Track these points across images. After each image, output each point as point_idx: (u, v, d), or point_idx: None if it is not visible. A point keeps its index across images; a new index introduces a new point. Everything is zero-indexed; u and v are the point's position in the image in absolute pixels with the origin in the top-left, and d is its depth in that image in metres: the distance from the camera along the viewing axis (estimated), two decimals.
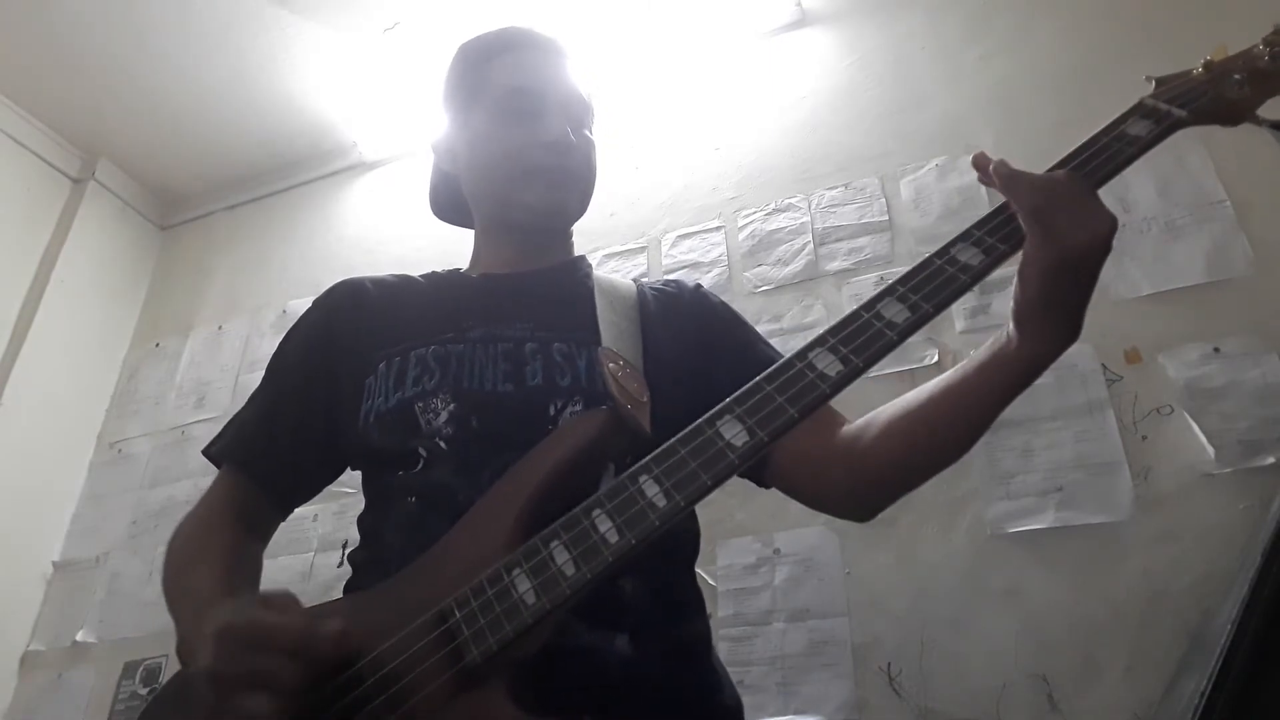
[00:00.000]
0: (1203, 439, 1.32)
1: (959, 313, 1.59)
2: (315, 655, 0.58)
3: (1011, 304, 0.67)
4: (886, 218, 1.78)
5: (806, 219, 1.87)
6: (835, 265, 1.77)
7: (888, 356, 0.64)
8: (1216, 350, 1.38)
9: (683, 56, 2.24)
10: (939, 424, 0.75)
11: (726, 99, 2.13)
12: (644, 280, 1.02)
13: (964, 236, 0.67)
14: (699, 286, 1.00)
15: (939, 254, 0.67)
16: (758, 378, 0.65)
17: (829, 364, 0.63)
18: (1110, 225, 0.63)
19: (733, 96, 2.13)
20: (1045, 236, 0.63)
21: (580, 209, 0.98)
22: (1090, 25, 1.78)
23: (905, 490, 0.81)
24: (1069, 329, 0.66)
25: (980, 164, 0.68)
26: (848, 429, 0.83)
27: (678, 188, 2.06)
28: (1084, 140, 0.70)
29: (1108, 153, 0.69)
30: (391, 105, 2.43)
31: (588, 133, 0.98)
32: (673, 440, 0.64)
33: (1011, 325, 0.68)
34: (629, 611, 0.72)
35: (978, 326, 1.56)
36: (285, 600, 0.63)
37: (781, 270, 1.82)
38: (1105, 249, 0.63)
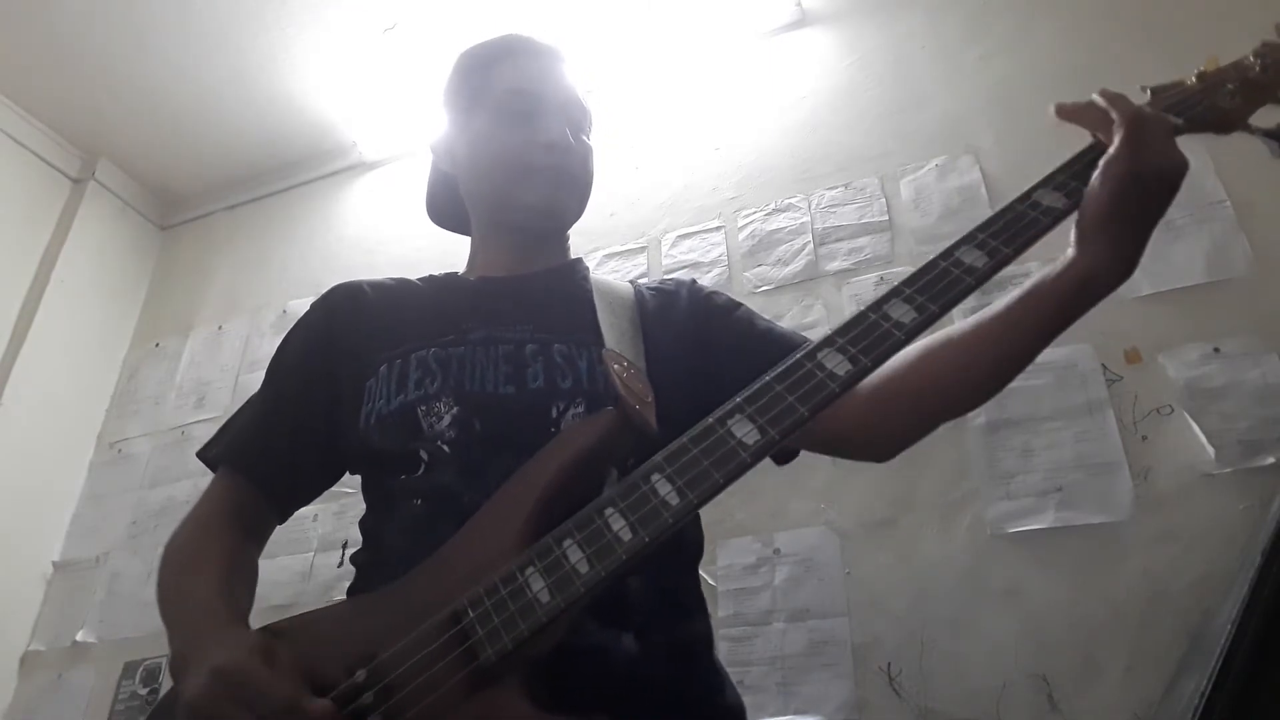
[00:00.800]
0: (1203, 439, 1.33)
1: (959, 313, 1.59)
2: None
3: (1077, 217, 0.68)
4: (886, 218, 1.78)
5: (806, 219, 1.87)
6: (835, 265, 1.77)
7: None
8: (1216, 350, 1.38)
9: (683, 56, 2.24)
10: (977, 358, 0.74)
11: (726, 99, 2.13)
12: (641, 281, 1.02)
13: (968, 239, 0.68)
14: (694, 282, 0.99)
15: (943, 256, 0.68)
16: (767, 377, 0.65)
17: (838, 364, 0.64)
18: (1186, 166, 0.66)
19: (733, 96, 2.13)
20: (1138, 144, 0.66)
21: (577, 212, 0.98)
22: (1090, 25, 1.78)
23: (929, 429, 0.80)
24: (1128, 251, 0.67)
25: (1063, 108, 0.74)
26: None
27: (678, 188, 2.07)
28: (1081, 149, 0.72)
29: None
30: (391, 105, 2.43)
31: (586, 138, 0.98)
32: (683, 439, 0.64)
33: (1071, 244, 0.69)
34: (635, 611, 0.72)
35: None
36: (285, 658, 0.63)
37: (781, 270, 1.82)
38: (1178, 182, 0.66)
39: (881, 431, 0.83)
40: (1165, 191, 0.66)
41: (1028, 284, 0.71)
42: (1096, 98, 0.71)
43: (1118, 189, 0.66)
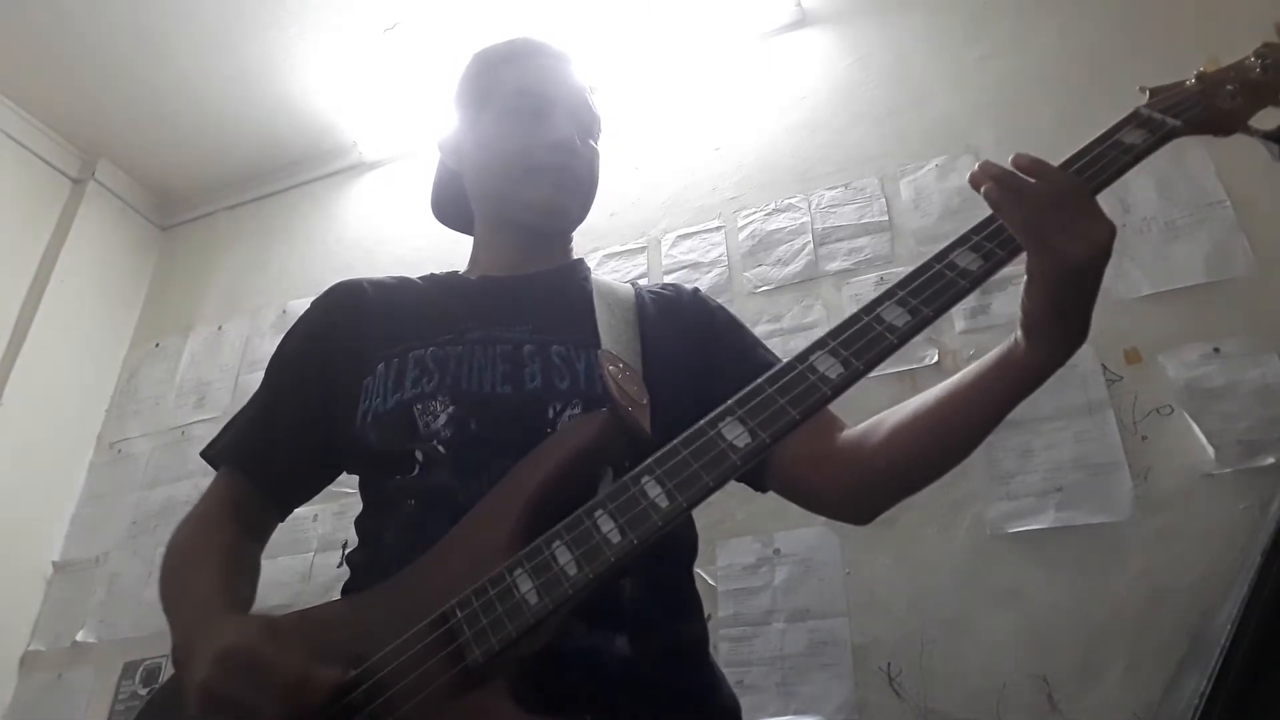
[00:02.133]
0: (1203, 439, 1.33)
1: (959, 313, 1.59)
2: (305, 703, 0.58)
3: (1020, 313, 0.68)
4: (886, 218, 1.78)
5: (806, 219, 1.87)
6: (835, 265, 1.77)
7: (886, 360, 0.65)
8: (1216, 350, 1.38)
9: (683, 57, 2.24)
10: (944, 428, 0.75)
11: (726, 99, 2.13)
12: (642, 283, 1.03)
13: (962, 241, 0.68)
14: (697, 290, 1.00)
15: (938, 258, 0.67)
16: (759, 380, 0.65)
17: (830, 366, 0.64)
18: (1109, 233, 0.63)
19: (733, 97, 2.13)
20: (1041, 251, 0.63)
21: (580, 214, 0.98)
22: (1090, 25, 1.78)
23: (908, 494, 0.81)
24: (1076, 333, 0.67)
25: (974, 182, 0.67)
26: (849, 433, 0.83)
27: (678, 188, 2.06)
28: (1079, 148, 0.71)
29: (1103, 161, 0.69)
30: (391, 105, 2.43)
31: (593, 142, 0.98)
32: (675, 441, 0.64)
33: (1019, 332, 0.68)
34: (627, 612, 0.72)
35: (978, 326, 1.57)
36: (290, 634, 0.63)
37: (781, 270, 1.82)
38: (1105, 255, 0.63)
39: (863, 499, 0.84)
40: (1098, 265, 0.63)
41: (986, 361, 0.72)
42: (985, 197, 0.65)
43: (1047, 296, 0.65)
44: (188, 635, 0.70)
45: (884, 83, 1.95)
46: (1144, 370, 1.42)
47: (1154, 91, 0.75)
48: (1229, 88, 0.74)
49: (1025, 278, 0.66)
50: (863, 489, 0.82)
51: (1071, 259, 0.62)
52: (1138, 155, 0.70)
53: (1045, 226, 0.63)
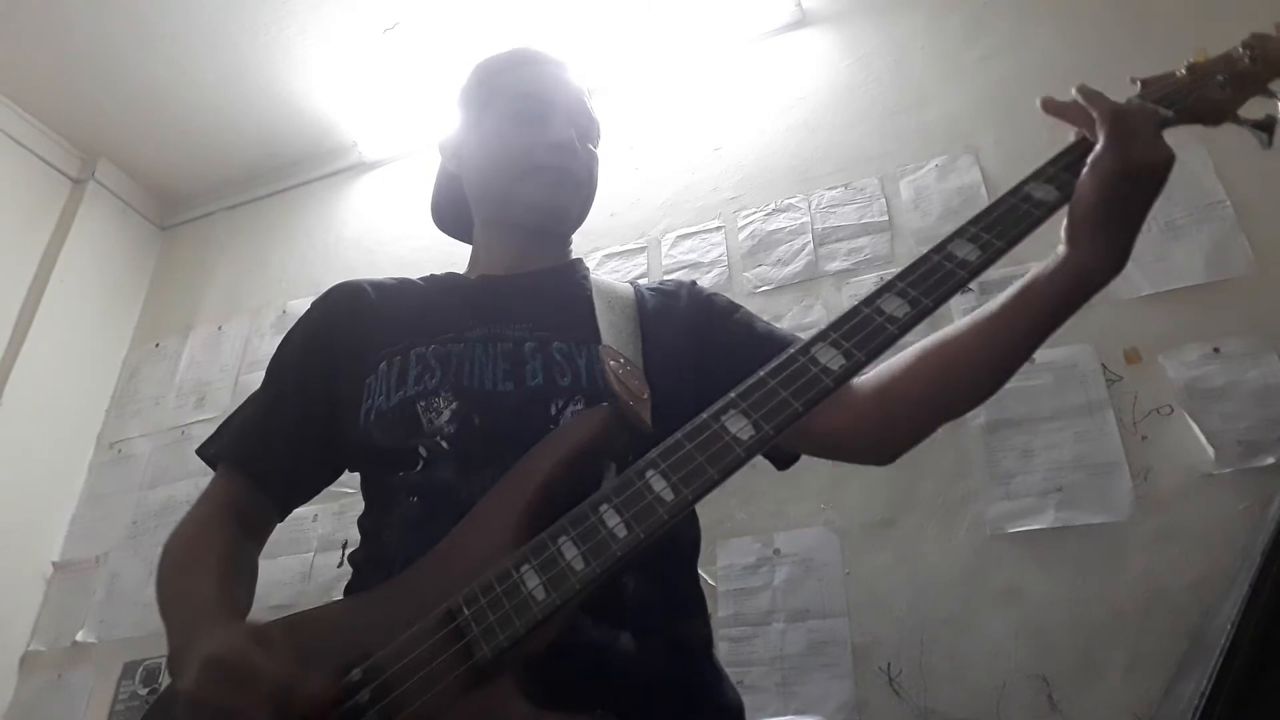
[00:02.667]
0: (1203, 439, 1.33)
1: (958, 312, 1.59)
2: (294, 711, 0.58)
3: (1065, 218, 0.69)
4: (886, 218, 1.78)
5: (806, 219, 1.87)
6: (835, 265, 1.77)
7: (889, 352, 0.65)
8: (1216, 350, 1.38)
9: (683, 57, 2.24)
10: (980, 352, 0.74)
11: (726, 99, 2.13)
12: (641, 281, 1.03)
13: (960, 233, 0.68)
14: (694, 283, 1.00)
15: (936, 249, 0.68)
16: (761, 372, 0.65)
17: (831, 358, 0.64)
18: (1172, 157, 0.66)
19: (733, 97, 2.13)
20: (1121, 140, 0.66)
21: (579, 215, 0.99)
22: (1089, 26, 1.78)
23: (933, 429, 0.80)
24: (1120, 246, 0.68)
25: (1049, 103, 0.73)
26: (865, 375, 0.82)
27: (678, 188, 2.06)
28: (1070, 144, 0.72)
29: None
30: (391, 105, 2.43)
31: (592, 147, 0.99)
32: (678, 435, 0.64)
33: (1062, 241, 0.69)
34: (631, 609, 0.73)
35: None
36: (280, 642, 0.63)
37: (781, 270, 1.82)
38: (1165, 174, 0.66)
39: (882, 434, 0.83)
40: (1153, 185, 0.67)
41: (1021, 282, 0.72)
42: (1076, 95, 0.71)
43: (1105, 185, 0.66)
44: (180, 644, 0.70)
45: (884, 83, 1.95)
46: (1144, 370, 1.43)
47: (1146, 82, 0.77)
48: (1219, 78, 0.75)
49: (1086, 167, 0.68)
50: (887, 423, 0.81)
51: (1142, 158, 0.66)
52: None
53: (1133, 121, 0.67)
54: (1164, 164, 0.66)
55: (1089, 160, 0.68)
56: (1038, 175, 0.71)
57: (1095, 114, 0.69)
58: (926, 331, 0.72)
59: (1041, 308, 0.71)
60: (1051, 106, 0.75)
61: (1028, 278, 0.71)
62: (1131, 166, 0.66)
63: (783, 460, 0.92)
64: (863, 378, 0.80)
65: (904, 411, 0.79)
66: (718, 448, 0.62)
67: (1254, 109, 0.75)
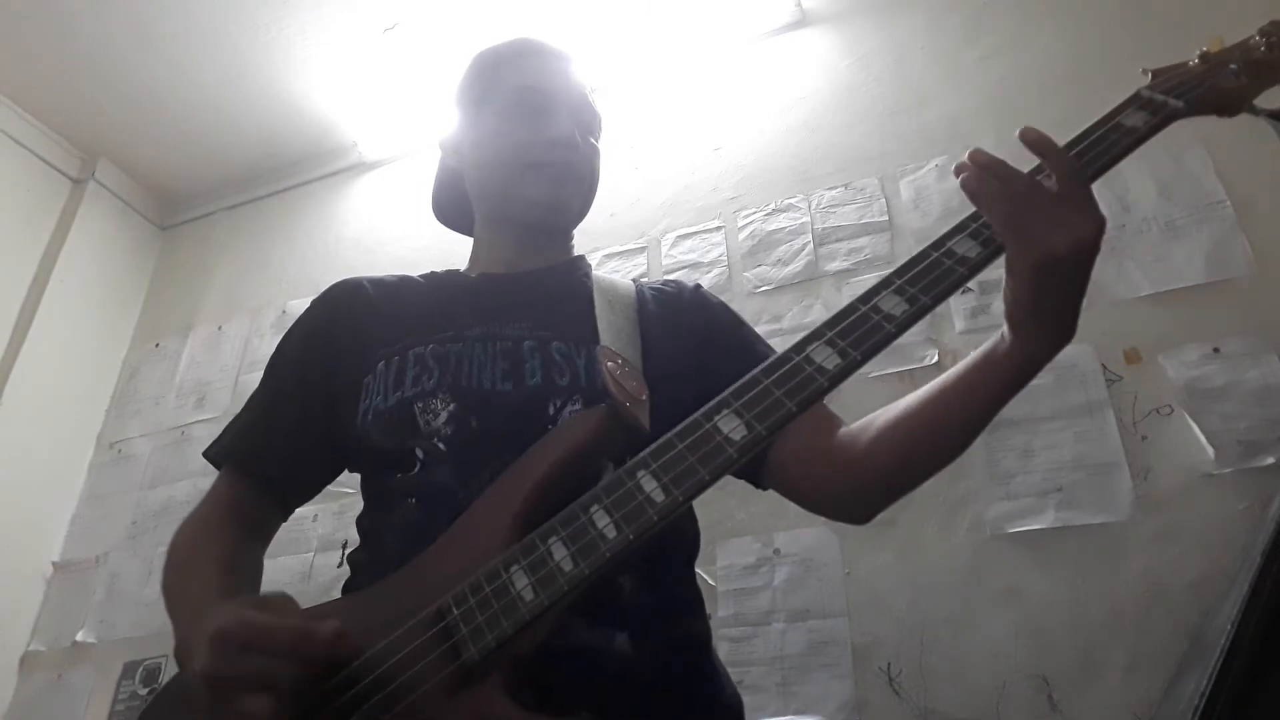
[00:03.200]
0: (1203, 439, 1.32)
1: (959, 312, 1.59)
2: (310, 655, 0.58)
3: (1004, 305, 0.66)
4: (886, 218, 1.78)
5: (806, 219, 1.87)
6: (835, 265, 1.77)
7: (888, 355, 0.64)
8: (1216, 350, 1.38)
9: (683, 57, 2.24)
10: (936, 425, 0.74)
11: (726, 99, 2.13)
12: (643, 280, 1.02)
13: (960, 228, 0.66)
14: (698, 287, 0.99)
15: (935, 246, 0.66)
16: (754, 371, 0.64)
17: (827, 357, 0.62)
18: (1095, 226, 0.60)
19: (733, 97, 2.13)
20: (1020, 244, 0.61)
21: (581, 210, 0.98)
22: (1090, 26, 1.78)
23: (903, 492, 0.80)
24: (1062, 330, 0.64)
25: (956, 170, 0.65)
26: (845, 431, 0.82)
27: (678, 188, 2.06)
28: (1079, 132, 0.69)
29: (1103, 145, 0.67)
30: (391, 105, 2.43)
31: (594, 140, 0.98)
32: (670, 435, 0.64)
33: (1005, 326, 0.67)
34: (628, 610, 0.72)
35: (978, 326, 1.56)
36: (280, 601, 0.63)
37: (781, 270, 1.82)
38: (1091, 251, 0.60)
39: (858, 500, 0.83)
40: (1079, 264, 0.61)
41: (973, 359, 0.70)
42: (962, 188, 0.63)
43: (1030, 289, 0.62)
44: (185, 636, 0.70)
45: (884, 83, 1.95)
46: (1144, 370, 1.42)
47: (1156, 73, 0.74)
48: (1232, 67, 0.72)
49: (1006, 266, 0.63)
50: (857, 489, 0.82)
51: (1052, 251, 0.59)
52: (1139, 138, 0.68)
53: (1027, 215, 0.61)
54: (1086, 242, 0.60)
55: (1005, 261, 0.63)
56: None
57: (988, 219, 0.64)
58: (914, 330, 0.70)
59: (995, 386, 0.69)
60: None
61: (980, 355, 0.70)
62: (1049, 260, 0.60)
63: (761, 482, 0.91)
64: (839, 438, 0.81)
65: (874, 479, 0.79)
66: (709, 448, 0.61)
67: (1271, 99, 0.73)
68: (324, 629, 0.58)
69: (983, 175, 0.63)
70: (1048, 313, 0.64)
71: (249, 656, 0.58)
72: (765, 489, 0.88)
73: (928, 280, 0.64)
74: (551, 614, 0.61)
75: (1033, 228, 0.61)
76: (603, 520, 0.61)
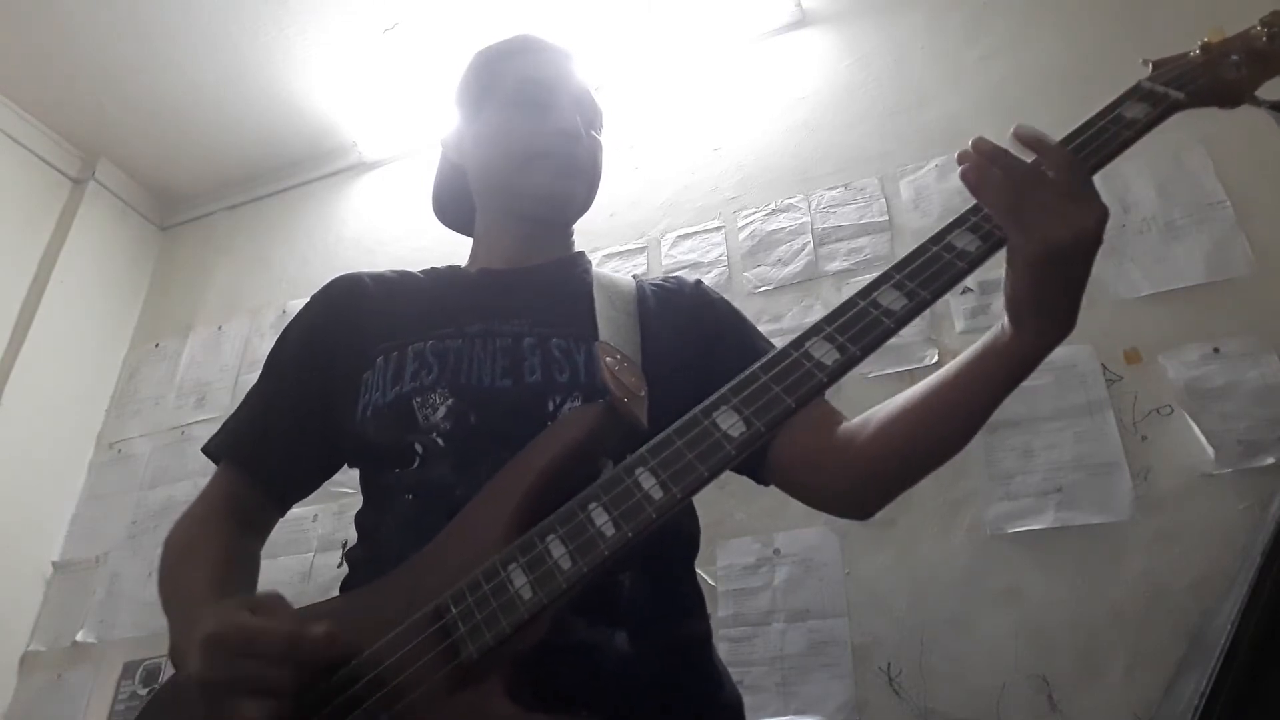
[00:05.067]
0: (1203, 439, 1.32)
1: (959, 313, 1.59)
2: (303, 658, 0.58)
3: (1004, 298, 0.66)
4: (886, 218, 1.78)
5: (806, 219, 1.87)
6: (835, 266, 1.77)
7: (888, 355, 0.63)
8: (1216, 350, 1.38)
9: (683, 57, 2.24)
10: (936, 419, 0.74)
11: (727, 99, 2.13)
12: (643, 277, 1.02)
13: (960, 222, 0.65)
14: (699, 282, 0.99)
15: (935, 240, 0.65)
16: (753, 366, 0.64)
17: (825, 352, 0.62)
18: (1097, 217, 0.60)
19: (733, 97, 2.13)
20: (1021, 234, 0.61)
21: (585, 202, 0.98)
22: (1089, 26, 1.78)
23: (904, 487, 0.80)
24: (1062, 322, 0.64)
25: (959, 159, 0.64)
26: (846, 426, 0.82)
27: (678, 188, 2.06)
28: (1080, 124, 0.68)
29: (1103, 137, 0.66)
30: (391, 105, 2.43)
31: (596, 134, 0.98)
32: (668, 431, 0.63)
33: (1005, 318, 0.66)
34: (628, 609, 0.72)
35: (978, 327, 1.56)
36: (272, 603, 0.63)
37: (781, 270, 1.82)
38: (1093, 241, 0.60)
39: (860, 495, 0.83)
40: (1080, 255, 0.61)
41: (973, 351, 0.70)
42: (963, 178, 0.63)
43: (1030, 280, 0.62)
44: (180, 636, 0.70)
45: (884, 83, 1.95)
46: (1144, 370, 1.42)
47: (1157, 64, 0.73)
48: (1234, 58, 0.71)
49: (1007, 257, 0.63)
50: (858, 485, 0.81)
51: (1053, 243, 0.60)
52: (1140, 129, 0.67)
53: (1025, 207, 0.61)
54: (1088, 233, 0.60)
55: (1007, 253, 0.63)
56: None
57: (989, 210, 0.63)
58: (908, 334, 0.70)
59: (995, 377, 0.69)
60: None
61: (979, 347, 0.69)
62: (1049, 251, 0.60)
63: (762, 476, 0.90)
64: (840, 434, 0.81)
65: (875, 474, 0.79)
66: (707, 445, 0.61)
67: (1272, 90, 0.72)
68: (316, 632, 0.58)
69: (984, 164, 0.62)
70: (1048, 305, 0.63)
71: (242, 661, 0.58)
72: (766, 485, 0.88)
73: (927, 275, 0.63)
74: (550, 612, 0.61)
75: (1034, 217, 0.60)
76: (601, 518, 0.61)
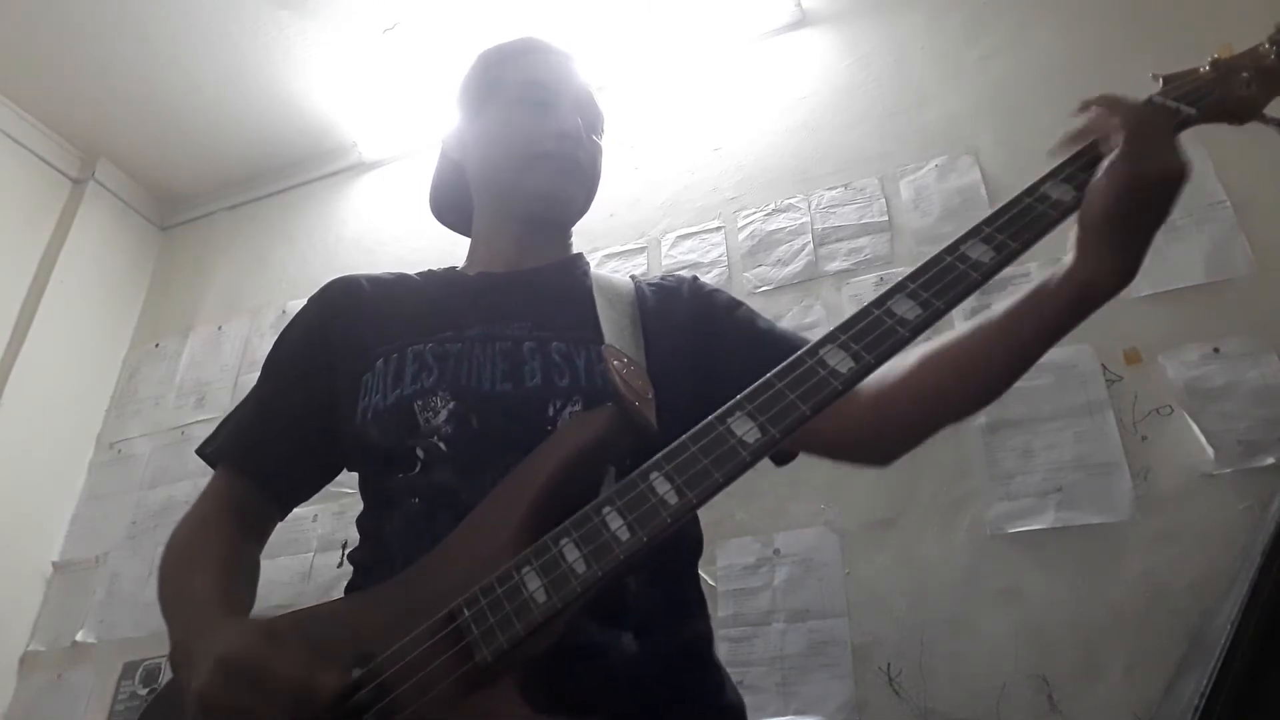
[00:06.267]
0: (1202, 439, 1.33)
1: (959, 313, 1.59)
2: (309, 708, 0.58)
3: (1074, 228, 0.66)
4: (886, 218, 1.78)
5: (806, 219, 1.87)
6: (835, 266, 1.77)
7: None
8: (1216, 350, 1.38)
9: (683, 57, 2.24)
10: (976, 365, 0.73)
11: (726, 99, 2.14)
12: (641, 277, 1.02)
13: (974, 233, 0.66)
14: (695, 278, 0.99)
15: (949, 250, 0.66)
16: (769, 374, 0.64)
17: (840, 360, 0.63)
18: (1188, 169, 0.64)
19: (733, 97, 2.13)
20: (1140, 148, 0.64)
21: (584, 204, 0.98)
22: (1089, 26, 1.78)
23: (930, 432, 0.79)
24: (1128, 260, 0.65)
25: (1084, 107, 0.69)
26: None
27: (678, 188, 2.07)
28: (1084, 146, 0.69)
29: None
30: (391, 105, 2.44)
31: (597, 138, 0.98)
32: (683, 438, 0.63)
33: (1070, 251, 0.67)
34: (633, 610, 0.72)
35: None
36: (290, 635, 0.63)
37: (781, 271, 1.82)
38: (1180, 184, 0.64)
39: (883, 437, 0.82)
40: (1166, 196, 0.64)
41: (1027, 289, 0.70)
42: (1097, 103, 0.68)
43: (1119, 195, 0.64)
44: (186, 640, 0.70)
45: (884, 83, 1.95)
46: (1144, 370, 1.43)
47: (1168, 79, 0.74)
48: (1244, 75, 0.72)
49: (1100, 174, 0.65)
50: (885, 425, 0.80)
51: (1158, 168, 0.63)
52: None
53: (1153, 130, 0.65)
54: (1180, 174, 0.63)
55: (1104, 165, 0.65)
56: (1054, 174, 0.68)
57: (1117, 119, 0.66)
58: (930, 334, 0.71)
59: (1046, 317, 0.68)
60: (1071, 137, 0.71)
61: (1034, 285, 0.69)
62: (1150, 173, 0.63)
63: (781, 457, 0.91)
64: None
65: (907, 413, 0.78)
66: (723, 451, 0.61)
67: (1276, 106, 0.73)
68: (326, 684, 0.58)
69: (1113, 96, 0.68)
70: (1128, 234, 0.65)
71: (249, 693, 0.58)
72: (784, 464, 0.88)
73: (941, 284, 0.64)
74: (564, 616, 0.61)
75: (1153, 142, 0.64)
76: (616, 522, 0.61)
